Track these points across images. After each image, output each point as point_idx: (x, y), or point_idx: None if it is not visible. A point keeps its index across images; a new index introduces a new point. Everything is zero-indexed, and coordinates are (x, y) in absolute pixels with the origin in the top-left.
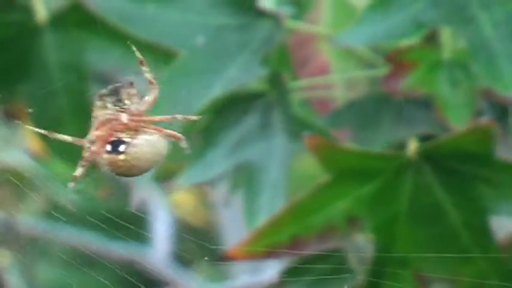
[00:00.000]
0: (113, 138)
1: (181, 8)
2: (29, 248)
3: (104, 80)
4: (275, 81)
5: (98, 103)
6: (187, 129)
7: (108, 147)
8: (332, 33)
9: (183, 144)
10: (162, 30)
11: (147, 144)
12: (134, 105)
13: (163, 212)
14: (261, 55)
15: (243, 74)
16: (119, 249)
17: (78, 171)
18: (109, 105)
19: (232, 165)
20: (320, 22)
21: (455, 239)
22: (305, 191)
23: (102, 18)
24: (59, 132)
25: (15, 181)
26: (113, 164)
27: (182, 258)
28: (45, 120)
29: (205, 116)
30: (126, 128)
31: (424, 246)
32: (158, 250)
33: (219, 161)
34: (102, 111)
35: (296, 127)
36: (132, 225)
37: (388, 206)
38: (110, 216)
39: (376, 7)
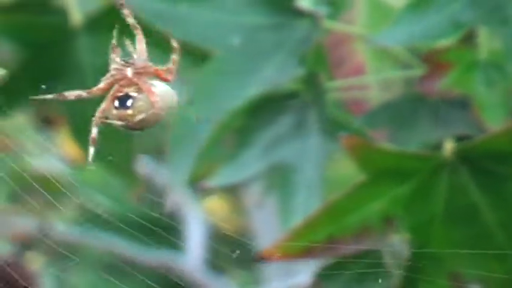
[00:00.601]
0: (120, 94)
1: (217, 7)
2: (62, 254)
3: None
4: (311, 81)
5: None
6: (223, 130)
7: (116, 103)
8: (368, 34)
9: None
10: (197, 30)
11: (158, 96)
12: (141, 59)
13: (196, 218)
14: (297, 55)
15: (279, 74)
16: (152, 256)
17: (93, 131)
18: (116, 59)
19: (266, 166)
20: (356, 22)
21: (490, 239)
22: (341, 191)
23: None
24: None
25: (50, 187)
26: (122, 119)
27: (215, 264)
28: (81, 123)
29: (240, 116)
30: (132, 83)
31: (459, 246)
32: (192, 256)
33: (253, 162)
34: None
35: (331, 127)
36: (166, 232)
37: (423, 207)
38: (143, 222)
39: (413, 7)
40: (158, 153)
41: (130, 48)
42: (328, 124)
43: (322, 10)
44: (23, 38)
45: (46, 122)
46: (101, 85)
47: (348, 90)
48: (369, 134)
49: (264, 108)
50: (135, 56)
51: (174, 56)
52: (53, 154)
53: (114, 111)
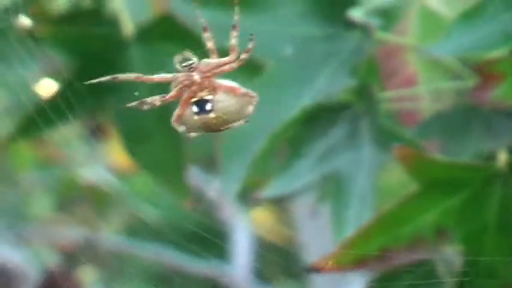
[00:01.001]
0: (195, 99)
1: (270, 18)
2: (110, 264)
3: None
4: (363, 92)
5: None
6: (275, 140)
7: (195, 109)
8: (420, 45)
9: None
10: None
11: (230, 96)
12: (203, 62)
13: (244, 229)
14: (349, 66)
15: (331, 85)
16: (200, 266)
17: (181, 128)
18: (179, 67)
19: (319, 176)
20: (408, 33)
21: None
22: (393, 201)
23: (190, 30)
24: (147, 147)
25: (98, 197)
26: (206, 123)
27: (263, 274)
28: (132, 134)
29: (293, 127)
30: (203, 86)
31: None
32: (239, 266)
33: (306, 172)
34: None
35: (384, 138)
36: (214, 242)
37: (476, 217)
38: (192, 232)
39: (465, 18)
40: (209, 163)
41: (188, 54)
42: (380, 135)
43: (374, 21)
44: (75, 48)
45: (95, 132)
46: (172, 93)
47: (400, 101)
48: (421, 145)
49: (317, 119)
50: (195, 60)
51: (234, 32)
52: (101, 164)
53: (196, 117)
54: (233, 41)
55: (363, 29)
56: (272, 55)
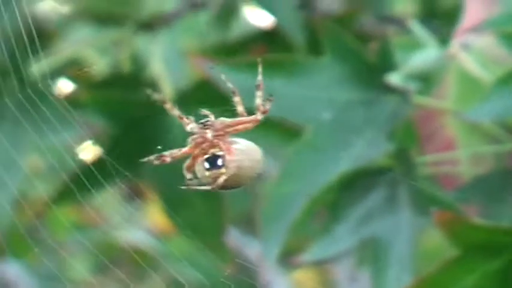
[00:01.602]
0: (207, 156)
1: (308, 83)
2: None
3: None
4: (401, 156)
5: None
6: (315, 204)
7: (206, 165)
8: (458, 109)
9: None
10: (288, 105)
11: (242, 152)
12: (219, 121)
13: None
14: (388, 130)
15: (370, 150)
16: None
17: (188, 175)
18: (193, 124)
19: (358, 241)
20: (446, 97)
21: None
22: (433, 266)
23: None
24: (186, 209)
25: (137, 260)
26: (215, 180)
27: None
28: (171, 197)
29: (332, 191)
30: (214, 144)
31: None
32: None
33: (345, 236)
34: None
35: (423, 202)
36: None
37: None
38: None
39: (503, 82)
40: (247, 223)
41: (205, 112)
42: (419, 199)
43: (412, 85)
44: (115, 112)
45: (134, 194)
46: (184, 149)
47: (439, 165)
48: (460, 209)
49: (356, 184)
50: (212, 118)
51: (259, 91)
52: (140, 226)
53: (207, 173)
54: (257, 100)
55: (401, 93)
56: (310, 120)
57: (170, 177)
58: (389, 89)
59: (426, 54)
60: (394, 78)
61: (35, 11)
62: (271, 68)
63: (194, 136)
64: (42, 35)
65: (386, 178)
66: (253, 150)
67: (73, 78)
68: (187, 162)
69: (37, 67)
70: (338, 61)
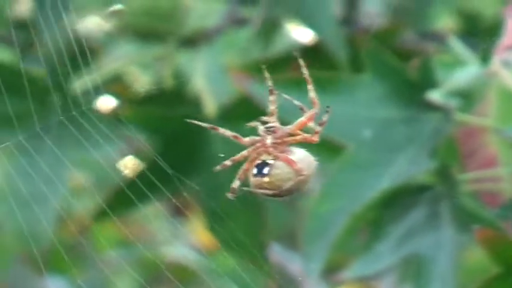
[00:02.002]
0: (257, 161)
1: (349, 100)
2: None
3: None
4: (443, 173)
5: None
6: (357, 221)
7: (254, 170)
8: (499, 126)
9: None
10: (329, 123)
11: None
12: (282, 128)
13: None
14: (429, 148)
15: (411, 167)
16: None
17: (236, 183)
18: (260, 127)
19: (400, 258)
20: (487, 114)
21: None
22: (474, 283)
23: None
24: (230, 225)
25: (181, 276)
26: (259, 187)
27: None
28: (215, 213)
29: (374, 209)
30: (270, 151)
31: None
32: None
33: (387, 253)
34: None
35: (464, 219)
36: None
37: None
38: None
39: None
40: (291, 239)
41: (274, 114)
42: (460, 216)
43: (454, 103)
44: (158, 128)
45: (177, 209)
46: (244, 152)
47: (480, 182)
48: (502, 226)
49: (397, 201)
50: (277, 124)
51: (313, 111)
52: (184, 242)
53: (252, 179)
54: (311, 94)
55: (442, 111)
56: (352, 137)
57: (213, 192)
58: (431, 107)
59: (467, 72)
60: (435, 96)
61: (78, 29)
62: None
63: (255, 139)
64: (85, 52)
65: (428, 195)
66: (308, 160)
67: (116, 94)
68: (244, 165)
69: (80, 83)
70: (379, 79)
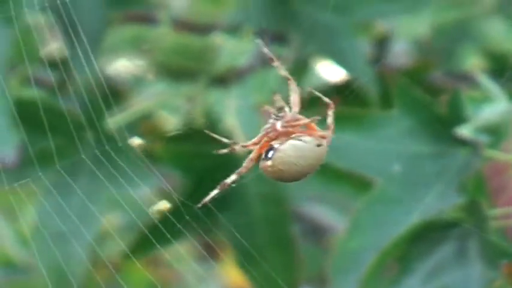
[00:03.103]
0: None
1: (378, 136)
2: None
3: (298, 216)
4: (472, 209)
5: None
6: (385, 257)
7: (263, 155)
8: None
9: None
10: (358, 158)
11: (293, 148)
12: (290, 112)
13: None
14: (458, 183)
15: (440, 202)
16: None
17: (233, 178)
18: (272, 114)
19: None
20: None
21: None
22: None
23: None
24: (261, 265)
25: None
26: (264, 170)
27: None
28: (246, 252)
29: (402, 244)
30: (280, 135)
31: None
32: None
33: None
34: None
35: (493, 255)
36: None
37: None
38: None
39: None
40: (321, 280)
41: (280, 102)
42: (489, 252)
43: (483, 138)
44: (189, 166)
45: (208, 249)
46: (255, 139)
47: (509, 218)
48: None
49: (426, 236)
50: (286, 110)
51: (330, 111)
52: (216, 283)
53: (260, 163)
54: (329, 119)
55: (471, 146)
56: (381, 173)
57: (245, 230)
58: (460, 142)
59: (496, 108)
60: (464, 131)
61: (109, 70)
62: (342, 121)
63: (266, 126)
64: (117, 91)
65: (457, 231)
66: (308, 147)
67: (148, 132)
68: (251, 155)
69: (112, 122)
70: (408, 113)
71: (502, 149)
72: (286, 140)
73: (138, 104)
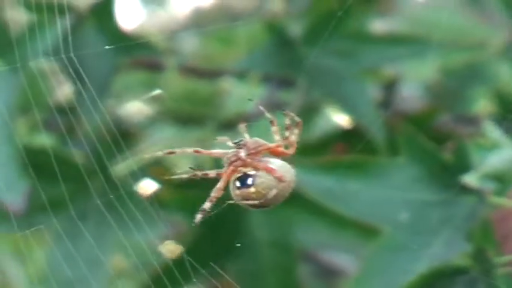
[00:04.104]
0: (238, 174)
1: (385, 184)
2: None
3: (309, 257)
4: (479, 256)
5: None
6: None
7: (237, 183)
8: None
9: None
10: (365, 206)
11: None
12: (252, 141)
13: None
14: (465, 231)
15: (447, 250)
16: None
17: (206, 205)
18: (229, 143)
19: None
20: None
21: None
22: None
23: (306, 196)
24: None
25: None
26: (247, 198)
27: None
28: None
29: None
30: (247, 163)
31: None
32: None
33: None
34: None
35: None
36: None
37: None
38: None
39: None
40: None
41: (243, 130)
42: None
43: (489, 186)
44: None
45: None
46: (221, 170)
47: None
48: None
49: (434, 284)
50: (246, 137)
51: (296, 130)
52: None
53: (237, 192)
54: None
55: (478, 194)
56: (388, 220)
57: (254, 277)
58: (466, 190)
59: (502, 155)
60: (470, 179)
61: (119, 113)
62: (349, 169)
63: (228, 155)
64: (126, 136)
65: (464, 278)
66: (286, 168)
67: (156, 178)
68: (218, 184)
69: (121, 167)
70: (415, 162)
71: (508, 196)
72: (258, 164)
73: (148, 148)
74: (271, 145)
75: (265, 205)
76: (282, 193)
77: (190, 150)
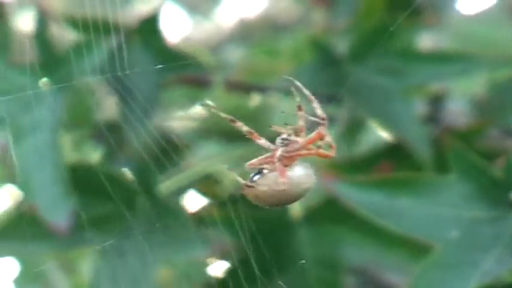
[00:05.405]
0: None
1: (435, 201)
2: None
3: (357, 273)
4: None
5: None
6: None
7: (251, 175)
8: None
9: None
10: (415, 223)
11: (275, 177)
12: (294, 142)
13: None
14: None
15: (498, 267)
16: None
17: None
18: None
19: None
20: None
21: None
22: None
23: (355, 213)
24: None
25: None
26: (247, 193)
27: None
28: None
29: None
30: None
31: None
32: None
33: None
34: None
35: None
36: None
37: None
38: None
39: None
40: None
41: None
42: None
43: None
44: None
45: None
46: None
47: None
48: None
49: None
50: (292, 138)
51: (323, 127)
52: None
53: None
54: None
55: None
56: (438, 238)
57: None
58: None
59: None
60: None
61: (165, 129)
62: (398, 186)
63: (270, 146)
64: (173, 151)
65: None
66: (304, 180)
67: (203, 194)
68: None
69: (168, 183)
70: (465, 179)
71: None
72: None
73: (195, 165)
74: (312, 151)
75: (264, 205)
76: (280, 199)
77: (246, 128)
